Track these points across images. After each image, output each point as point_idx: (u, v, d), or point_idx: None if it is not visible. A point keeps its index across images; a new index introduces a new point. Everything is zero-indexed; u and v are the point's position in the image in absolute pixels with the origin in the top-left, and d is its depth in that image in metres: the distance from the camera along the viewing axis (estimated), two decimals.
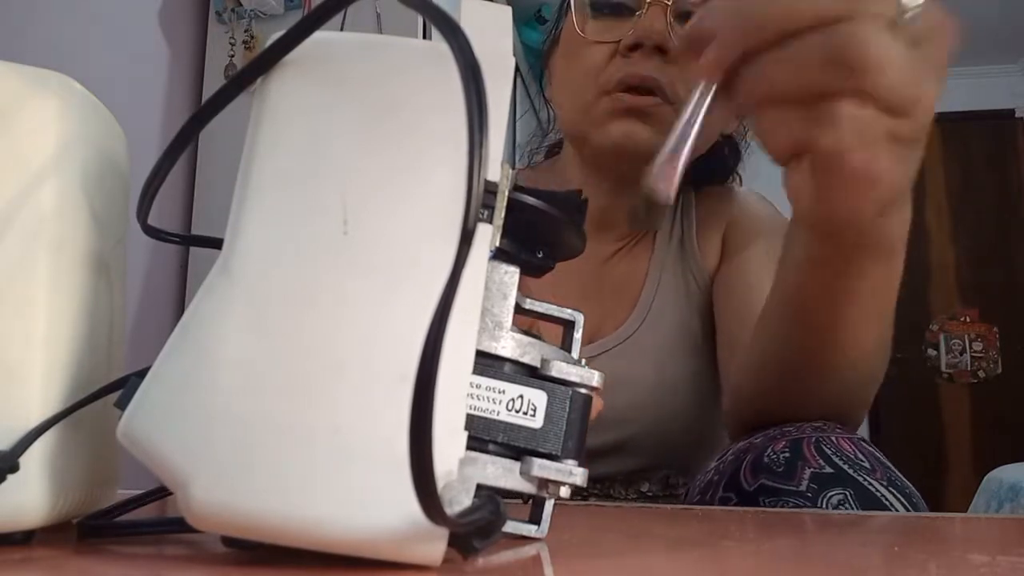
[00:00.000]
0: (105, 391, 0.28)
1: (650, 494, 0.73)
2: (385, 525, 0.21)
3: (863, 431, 0.55)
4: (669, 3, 0.63)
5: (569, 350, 0.31)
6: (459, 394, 0.23)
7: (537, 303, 0.31)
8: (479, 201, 0.19)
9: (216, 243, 0.26)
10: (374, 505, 0.21)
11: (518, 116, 2.71)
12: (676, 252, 0.76)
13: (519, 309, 0.30)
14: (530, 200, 0.27)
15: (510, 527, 0.29)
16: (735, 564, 0.27)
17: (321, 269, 0.23)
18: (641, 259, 0.76)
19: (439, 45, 0.25)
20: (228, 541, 0.24)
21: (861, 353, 0.48)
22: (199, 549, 0.27)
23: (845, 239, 0.40)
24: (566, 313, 0.31)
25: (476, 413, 0.25)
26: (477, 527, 0.22)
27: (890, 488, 0.48)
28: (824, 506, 0.47)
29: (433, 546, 0.22)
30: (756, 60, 0.31)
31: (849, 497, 0.47)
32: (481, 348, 0.26)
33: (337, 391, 0.22)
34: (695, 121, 0.32)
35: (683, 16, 0.64)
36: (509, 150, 2.63)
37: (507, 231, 0.28)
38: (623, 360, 0.71)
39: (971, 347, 3.69)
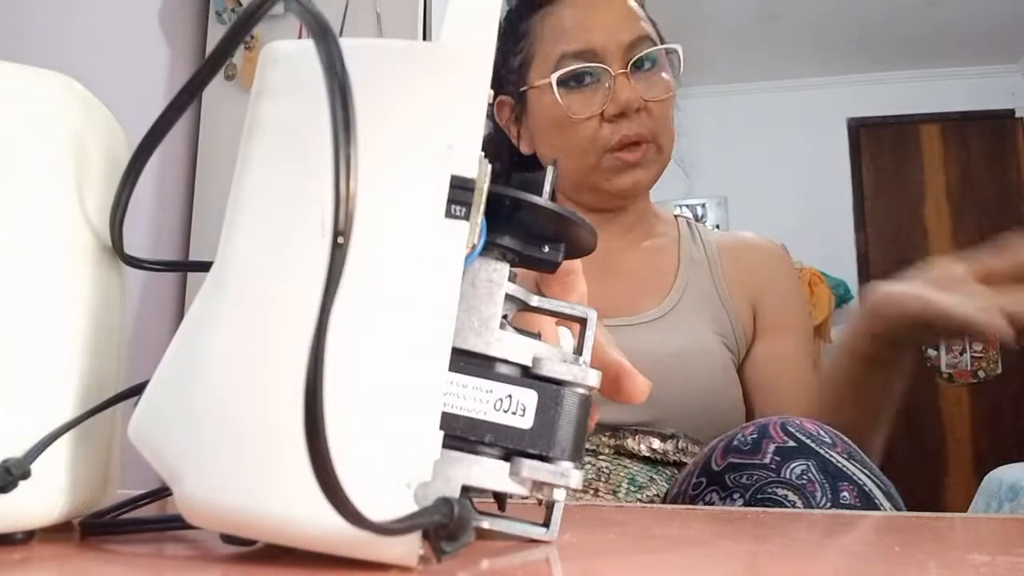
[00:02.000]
0: (117, 399, 0.28)
1: (660, 453, 0.73)
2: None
3: None
4: (627, 71, 0.78)
5: (581, 348, 0.30)
6: (431, 394, 0.23)
7: (546, 300, 0.30)
8: (349, 214, 0.18)
9: (192, 267, 0.26)
10: None
11: None
12: (705, 278, 0.84)
13: (527, 307, 0.30)
14: (522, 196, 0.26)
15: (519, 530, 0.29)
16: (736, 564, 0.27)
17: (301, 272, 0.23)
18: (665, 257, 0.86)
19: (417, 45, 0.25)
20: (227, 539, 0.24)
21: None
22: (200, 548, 0.27)
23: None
24: (578, 310, 0.30)
25: (461, 413, 0.25)
26: (436, 529, 0.21)
27: (851, 460, 0.50)
28: (787, 476, 0.50)
29: (405, 547, 0.22)
30: None
31: (811, 467, 0.50)
32: (467, 347, 0.26)
33: None
34: None
35: (639, 67, 0.79)
36: None
37: (506, 228, 0.27)
38: (655, 333, 0.78)
39: (971, 347, 3.68)
